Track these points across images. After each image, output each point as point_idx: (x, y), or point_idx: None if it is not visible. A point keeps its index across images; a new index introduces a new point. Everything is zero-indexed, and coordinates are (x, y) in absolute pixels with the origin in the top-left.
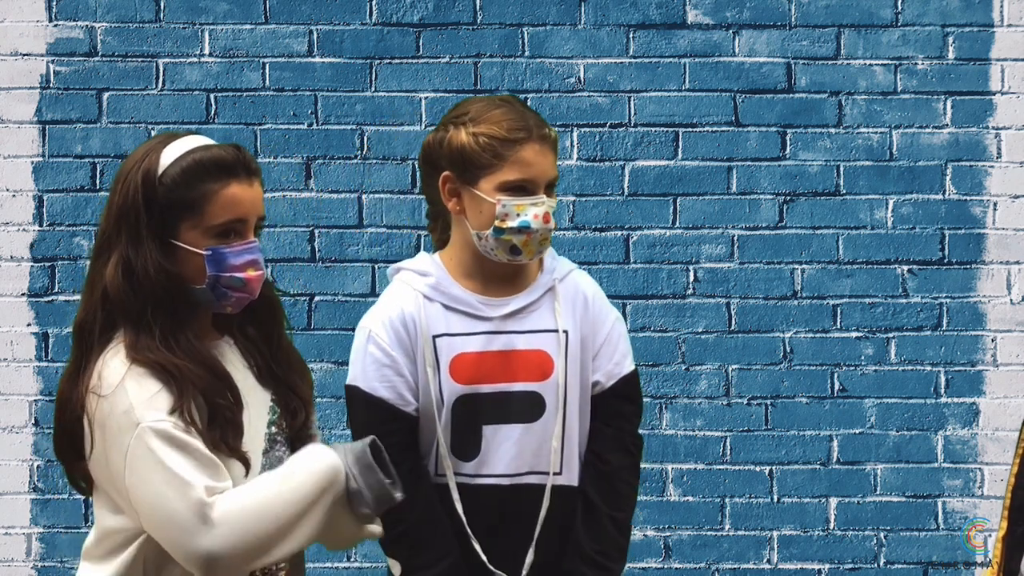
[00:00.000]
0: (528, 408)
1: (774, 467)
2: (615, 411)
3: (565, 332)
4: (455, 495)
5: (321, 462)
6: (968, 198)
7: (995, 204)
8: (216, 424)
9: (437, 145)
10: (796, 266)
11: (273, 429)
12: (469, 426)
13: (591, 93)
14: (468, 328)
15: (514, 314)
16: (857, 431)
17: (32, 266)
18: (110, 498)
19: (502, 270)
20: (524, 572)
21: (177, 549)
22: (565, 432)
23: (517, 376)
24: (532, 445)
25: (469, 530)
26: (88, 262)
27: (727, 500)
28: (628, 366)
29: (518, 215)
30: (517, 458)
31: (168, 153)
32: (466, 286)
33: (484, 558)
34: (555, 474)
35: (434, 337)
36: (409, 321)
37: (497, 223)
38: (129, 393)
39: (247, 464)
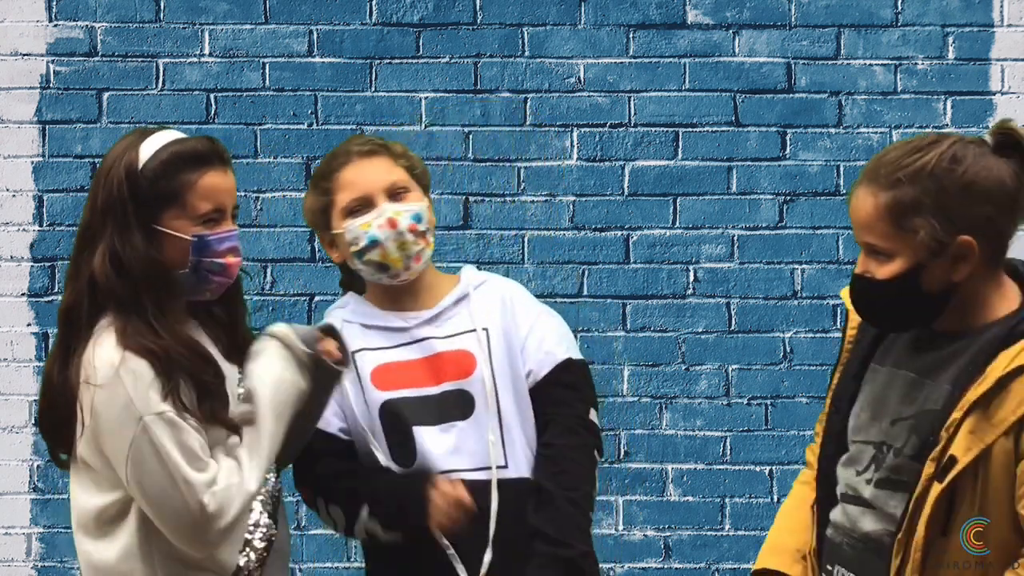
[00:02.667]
0: (457, 406)
1: (774, 467)
2: (551, 399)
3: (485, 330)
4: None
5: (280, 385)
6: None
7: None
8: (206, 399)
9: (307, 213)
10: (796, 266)
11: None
12: (400, 432)
13: (591, 93)
14: (386, 342)
15: (431, 320)
16: None
17: (32, 266)
18: (91, 476)
19: (405, 289)
20: (483, 572)
21: (181, 541)
22: (503, 424)
23: (441, 377)
24: (469, 442)
25: (436, 535)
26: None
27: (727, 500)
28: (563, 354)
29: (365, 233)
30: (454, 456)
31: (146, 147)
32: (384, 308)
33: (461, 571)
34: (500, 467)
35: (353, 353)
36: None
37: (353, 249)
38: (127, 385)
39: (239, 434)
